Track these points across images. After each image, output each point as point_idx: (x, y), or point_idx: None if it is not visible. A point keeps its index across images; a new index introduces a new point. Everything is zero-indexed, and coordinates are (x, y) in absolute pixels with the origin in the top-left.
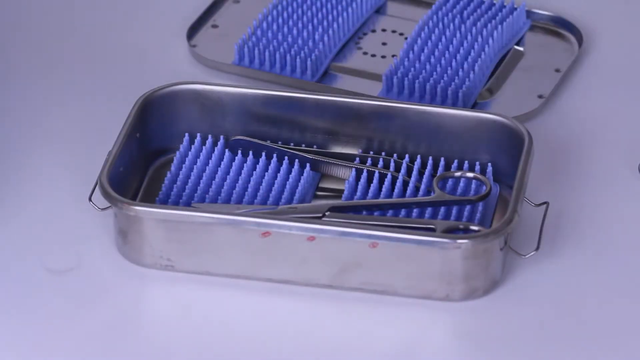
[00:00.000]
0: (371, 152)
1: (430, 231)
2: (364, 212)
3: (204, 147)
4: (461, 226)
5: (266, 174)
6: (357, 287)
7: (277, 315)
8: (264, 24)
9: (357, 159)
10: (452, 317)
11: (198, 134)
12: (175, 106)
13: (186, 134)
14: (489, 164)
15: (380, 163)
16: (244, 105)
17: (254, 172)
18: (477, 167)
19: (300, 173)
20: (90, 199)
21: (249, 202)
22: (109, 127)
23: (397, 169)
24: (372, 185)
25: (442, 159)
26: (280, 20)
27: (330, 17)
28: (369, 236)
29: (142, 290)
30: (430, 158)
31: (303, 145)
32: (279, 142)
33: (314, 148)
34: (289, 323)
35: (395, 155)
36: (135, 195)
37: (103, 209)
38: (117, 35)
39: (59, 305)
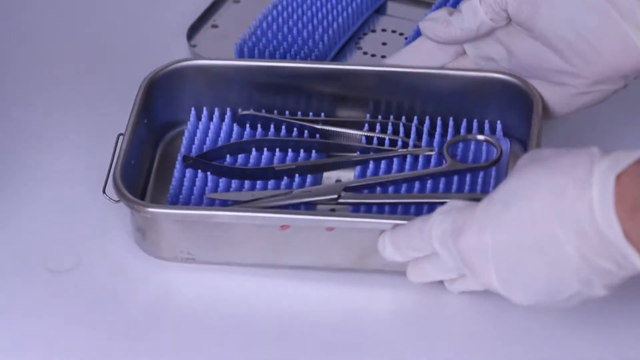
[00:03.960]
0: (379, 117)
1: None
2: (378, 189)
3: (211, 123)
4: (481, 197)
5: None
6: (378, 269)
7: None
8: (264, 24)
9: (366, 125)
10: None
11: (204, 108)
12: (180, 83)
13: (192, 108)
14: (499, 122)
15: (390, 129)
16: (248, 77)
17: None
18: (487, 125)
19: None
20: (104, 192)
21: (263, 184)
22: (113, 120)
23: (407, 134)
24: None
25: (451, 118)
26: (280, 20)
27: (330, 17)
28: (386, 225)
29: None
30: (439, 119)
31: (311, 114)
32: (286, 113)
33: (322, 117)
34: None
35: (403, 118)
36: (148, 177)
37: (117, 201)
38: (116, 35)
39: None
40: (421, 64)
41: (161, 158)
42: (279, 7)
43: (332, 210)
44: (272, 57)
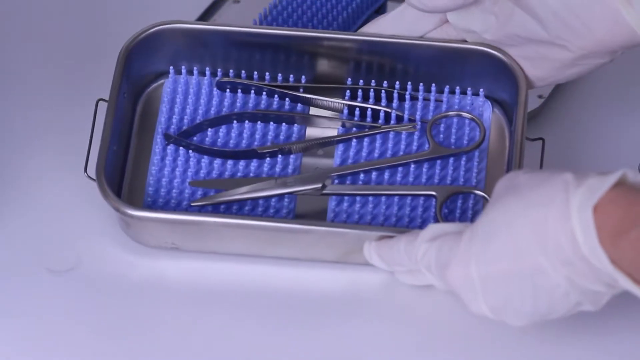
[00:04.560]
0: (361, 82)
1: (431, 199)
2: (362, 176)
3: (191, 86)
4: (465, 190)
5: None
6: (364, 263)
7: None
8: (264, 24)
9: (348, 92)
10: None
11: (183, 67)
12: (159, 46)
13: (171, 67)
14: (481, 90)
15: (372, 96)
16: (228, 41)
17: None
18: (469, 91)
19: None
20: (85, 171)
21: (246, 164)
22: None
23: (389, 99)
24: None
25: (433, 85)
26: (280, 20)
27: (330, 17)
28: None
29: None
30: (421, 85)
31: (291, 79)
32: (267, 76)
33: (303, 82)
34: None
35: (385, 83)
36: (128, 146)
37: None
38: (117, 35)
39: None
40: (404, 32)
41: (141, 118)
42: (279, 7)
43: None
44: None
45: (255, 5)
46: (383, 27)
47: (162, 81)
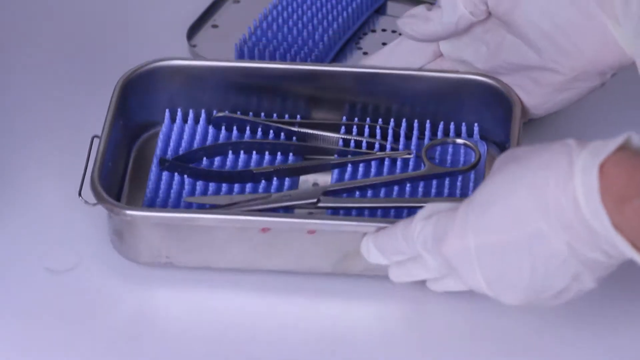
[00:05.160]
0: (355, 119)
1: None
2: (357, 193)
3: (186, 126)
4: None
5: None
6: (359, 274)
7: (283, 305)
8: (264, 24)
9: (343, 128)
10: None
11: (179, 110)
12: (154, 84)
13: (167, 110)
14: (476, 125)
15: (367, 132)
16: (223, 78)
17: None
18: (464, 128)
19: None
20: (80, 194)
21: (240, 187)
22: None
23: (384, 136)
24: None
25: (428, 121)
26: (280, 20)
27: (330, 17)
28: (369, 227)
29: (142, 288)
30: (416, 121)
31: (286, 116)
32: (262, 115)
33: (298, 119)
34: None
35: (380, 120)
36: (123, 180)
37: (95, 204)
38: (116, 35)
39: (59, 307)
40: (398, 65)
41: (135, 161)
42: (279, 7)
43: (311, 213)
44: (272, 57)
45: (255, 5)
46: (378, 61)
47: (157, 129)
